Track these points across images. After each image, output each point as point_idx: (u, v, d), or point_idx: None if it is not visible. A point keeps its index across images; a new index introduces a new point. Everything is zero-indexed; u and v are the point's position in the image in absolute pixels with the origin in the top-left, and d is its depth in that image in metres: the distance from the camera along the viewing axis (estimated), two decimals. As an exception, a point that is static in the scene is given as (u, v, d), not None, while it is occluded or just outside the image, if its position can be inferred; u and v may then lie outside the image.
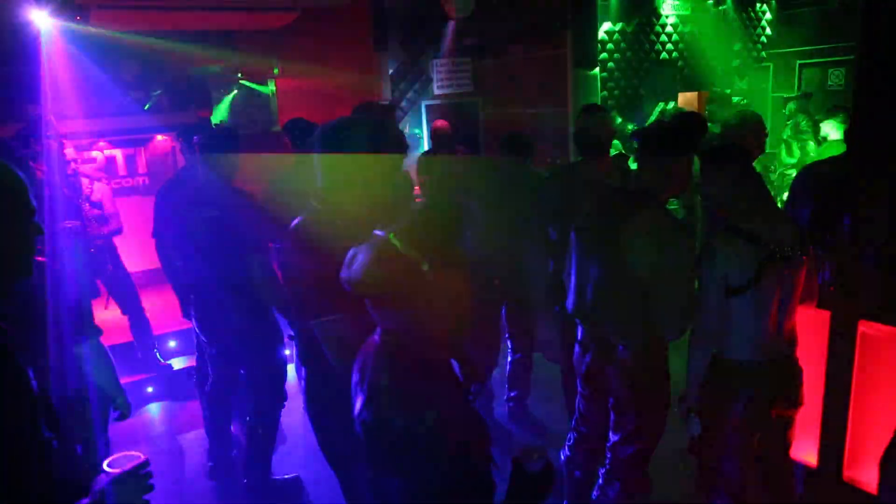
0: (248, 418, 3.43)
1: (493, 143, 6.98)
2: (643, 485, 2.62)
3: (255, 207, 3.12)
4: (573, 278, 2.60)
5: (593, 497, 2.69)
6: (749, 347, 2.31)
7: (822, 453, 2.87)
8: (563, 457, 2.90)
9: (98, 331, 2.48)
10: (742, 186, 2.31)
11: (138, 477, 1.46)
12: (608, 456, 2.63)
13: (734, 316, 2.29)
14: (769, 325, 2.30)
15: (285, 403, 3.49)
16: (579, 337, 2.65)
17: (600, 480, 2.66)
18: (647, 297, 2.35)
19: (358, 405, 1.42)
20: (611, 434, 2.61)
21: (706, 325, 2.31)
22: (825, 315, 2.78)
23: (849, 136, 2.81)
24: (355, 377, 1.48)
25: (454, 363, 1.53)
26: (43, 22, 5.18)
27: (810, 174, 3.43)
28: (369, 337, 1.52)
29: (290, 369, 4.85)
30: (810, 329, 2.51)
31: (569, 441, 2.88)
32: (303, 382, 2.16)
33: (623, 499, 2.61)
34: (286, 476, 3.60)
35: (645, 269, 2.31)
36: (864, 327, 2.70)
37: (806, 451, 2.89)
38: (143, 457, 1.50)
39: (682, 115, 2.50)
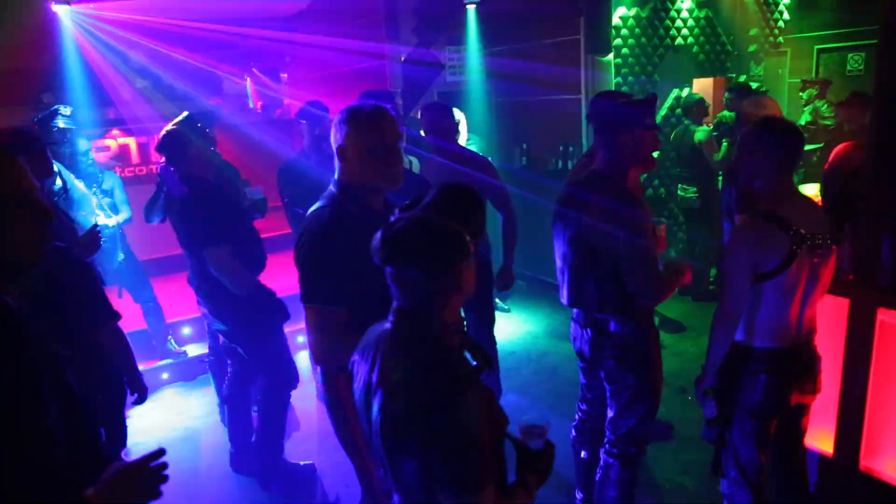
0: (258, 399, 3.47)
1: (505, 130, 6.94)
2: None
3: (212, 201, 3.12)
4: (557, 266, 2.66)
5: (596, 479, 2.71)
6: (769, 334, 2.29)
7: (839, 442, 2.85)
8: (570, 437, 2.94)
9: (116, 315, 2.50)
10: (782, 170, 2.26)
11: (152, 467, 1.42)
12: (607, 434, 2.66)
13: (757, 301, 2.26)
14: (791, 313, 2.27)
15: (296, 384, 3.51)
16: (574, 315, 2.70)
17: (601, 462, 2.69)
18: (619, 272, 2.39)
19: (379, 398, 1.40)
20: (608, 410, 2.65)
21: (730, 308, 2.28)
22: (843, 302, 2.75)
23: (871, 121, 2.76)
24: (364, 367, 1.47)
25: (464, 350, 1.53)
26: (57, 9, 5.20)
27: (838, 159, 3.39)
28: (376, 325, 1.51)
29: (305, 357, 4.91)
30: (828, 316, 2.48)
31: (574, 422, 2.92)
32: (319, 371, 2.16)
33: (624, 478, 2.63)
34: (301, 462, 3.63)
35: (609, 244, 2.36)
36: (883, 315, 2.67)
37: (822, 439, 2.87)
38: (158, 445, 1.45)
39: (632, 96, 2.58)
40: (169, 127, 3.22)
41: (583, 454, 2.88)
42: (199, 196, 3.13)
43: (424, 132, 3.77)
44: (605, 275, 2.43)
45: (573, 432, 2.93)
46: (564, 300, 2.65)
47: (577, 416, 2.90)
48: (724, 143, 5.49)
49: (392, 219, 1.40)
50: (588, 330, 2.59)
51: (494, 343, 3.93)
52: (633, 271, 2.36)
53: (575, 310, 2.68)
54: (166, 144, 3.18)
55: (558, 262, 2.65)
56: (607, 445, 2.66)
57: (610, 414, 2.64)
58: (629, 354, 2.51)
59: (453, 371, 1.38)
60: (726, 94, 5.84)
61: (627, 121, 2.39)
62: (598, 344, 2.56)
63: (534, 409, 3.98)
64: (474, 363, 1.55)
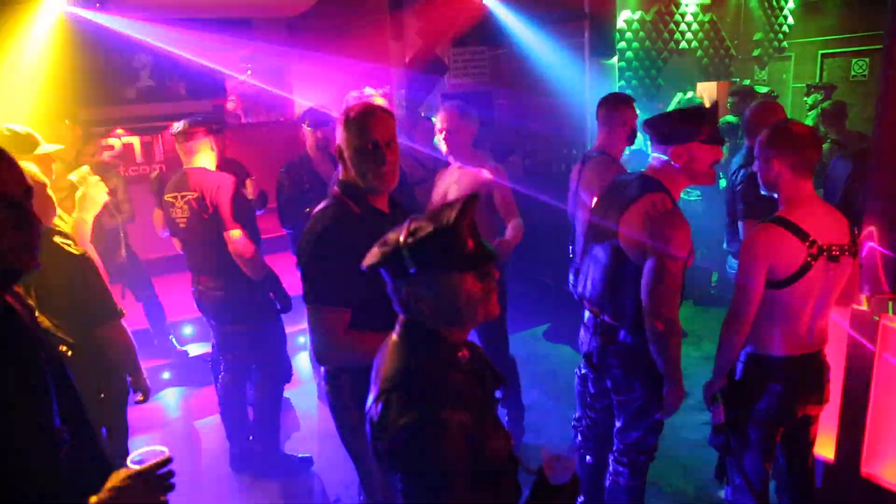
0: (253, 391, 3.53)
1: (508, 132, 6.94)
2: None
3: (233, 190, 3.24)
4: (581, 263, 2.63)
5: (606, 485, 2.69)
6: (779, 343, 2.27)
7: (840, 448, 2.84)
8: (575, 442, 2.93)
9: (120, 312, 2.51)
10: (804, 176, 2.22)
11: (159, 475, 1.39)
12: (615, 443, 2.64)
13: (768, 309, 2.23)
14: (802, 323, 2.24)
15: (290, 377, 3.57)
16: (584, 319, 2.66)
17: (610, 468, 2.67)
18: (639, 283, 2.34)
19: (369, 400, 1.39)
20: (616, 421, 2.62)
21: (741, 314, 2.24)
22: (846, 308, 2.74)
23: (874, 128, 2.76)
24: (372, 373, 1.46)
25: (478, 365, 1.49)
26: (62, 9, 5.21)
27: (840, 163, 3.38)
28: (389, 335, 1.49)
29: (305, 357, 4.91)
30: (831, 322, 2.47)
31: (580, 426, 2.90)
32: (322, 371, 2.16)
33: (634, 485, 2.61)
34: (299, 454, 3.68)
35: (637, 256, 2.31)
36: (886, 321, 2.66)
37: (824, 445, 2.86)
38: (166, 452, 1.41)
39: (694, 106, 2.47)
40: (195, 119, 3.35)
41: (588, 459, 2.86)
42: (220, 183, 3.24)
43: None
44: (628, 283, 2.36)
45: (579, 437, 2.90)
46: (577, 293, 2.62)
47: (583, 422, 2.88)
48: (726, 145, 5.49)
49: (411, 223, 1.36)
50: (597, 337, 2.54)
51: (510, 359, 3.79)
52: (652, 288, 2.27)
53: (587, 315, 2.64)
54: (187, 134, 3.31)
55: (582, 261, 2.60)
56: (616, 454, 2.63)
57: (618, 424, 2.60)
58: (637, 365, 2.45)
59: (437, 388, 1.33)
60: (730, 99, 5.84)
61: (681, 134, 2.30)
62: (605, 352, 2.52)
63: (532, 412, 3.98)
64: (498, 392, 1.49)
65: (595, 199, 2.59)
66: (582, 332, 2.69)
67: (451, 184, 3.48)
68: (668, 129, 2.31)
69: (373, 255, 1.38)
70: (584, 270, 2.61)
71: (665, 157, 2.34)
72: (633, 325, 2.41)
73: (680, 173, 2.34)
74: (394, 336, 1.44)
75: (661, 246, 2.24)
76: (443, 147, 3.46)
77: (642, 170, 2.46)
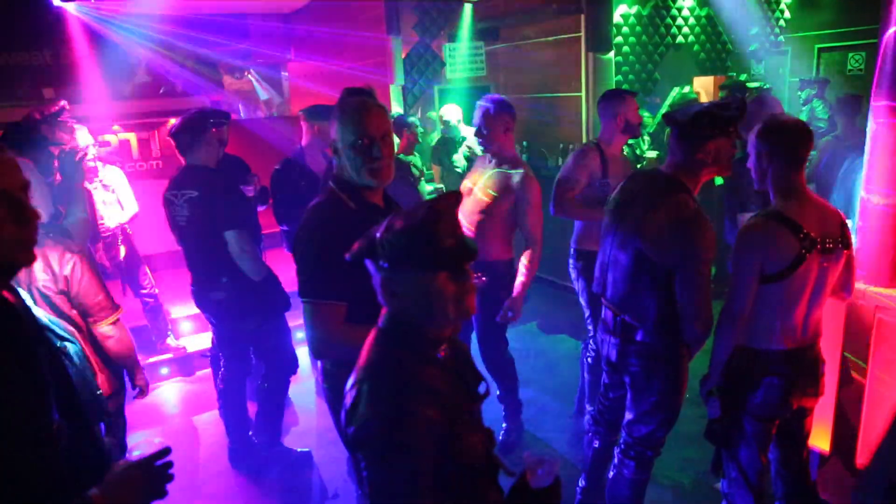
0: (259, 383, 3.55)
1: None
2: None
3: (230, 188, 3.24)
4: (598, 258, 2.61)
5: (609, 477, 2.71)
6: (773, 337, 2.28)
7: (836, 440, 2.86)
8: (586, 424, 2.94)
9: (117, 308, 2.52)
10: (796, 169, 2.23)
11: (158, 466, 1.40)
12: (623, 435, 2.64)
13: (762, 303, 2.24)
14: (796, 316, 2.25)
15: (296, 370, 3.58)
16: (602, 315, 2.65)
17: (615, 460, 2.68)
18: (666, 288, 2.31)
19: (346, 387, 1.39)
20: (626, 412, 2.62)
21: (736, 308, 2.25)
22: (841, 301, 2.75)
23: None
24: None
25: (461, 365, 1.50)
26: (60, 4, 5.20)
27: (833, 158, 3.38)
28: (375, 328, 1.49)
29: (303, 352, 4.92)
30: (826, 314, 2.48)
31: (592, 411, 2.91)
32: (320, 366, 2.17)
33: (638, 479, 2.62)
34: (298, 449, 3.69)
35: (661, 257, 2.29)
36: (881, 314, 2.67)
37: (819, 438, 2.88)
38: (164, 443, 1.43)
39: (722, 100, 2.40)
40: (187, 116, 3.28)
41: (595, 444, 2.87)
42: (220, 183, 3.23)
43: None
44: (650, 284, 2.35)
45: (590, 420, 2.91)
46: (598, 289, 2.61)
47: (596, 407, 2.88)
48: None
49: (382, 223, 1.37)
50: (616, 336, 2.53)
51: (508, 358, 3.75)
52: (691, 296, 2.25)
53: (604, 312, 2.62)
54: (182, 130, 3.23)
55: (600, 257, 2.59)
56: (623, 446, 2.64)
57: (628, 416, 2.60)
58: (657, 363, 2.45)
59: (409, 382, 1.33)
60: (720, 94, 5.85)
61: (714, 129, 2.26)
62: (624, 351, 2.51)
63: (529, 408, 3.99)
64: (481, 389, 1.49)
65: (611, 198, 2.56)
66: (600, 330, 2.67)
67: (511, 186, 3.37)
68: (699, 125, 2.26)
69: (354, 247, 1.41)
70: (599, 267, 2.60)
71: (687, 153, 2.30)
72: (654, 326, 2.40)
73: (703, 167, 2.32)
74: (377, 327, 1.45)
75: (689, 251, 2.22)
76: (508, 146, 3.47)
77: (660, 167, 2.43)
